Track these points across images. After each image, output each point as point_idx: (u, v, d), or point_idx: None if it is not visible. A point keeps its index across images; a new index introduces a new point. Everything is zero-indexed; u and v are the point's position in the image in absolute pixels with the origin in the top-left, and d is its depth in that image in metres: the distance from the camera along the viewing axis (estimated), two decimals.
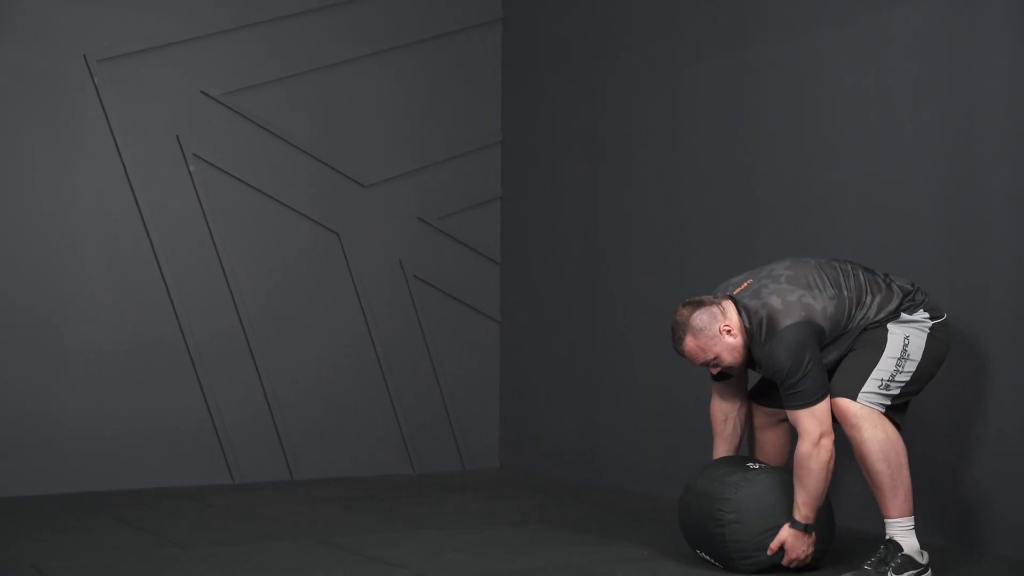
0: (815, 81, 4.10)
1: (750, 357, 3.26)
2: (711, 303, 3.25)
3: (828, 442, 3.10)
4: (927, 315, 3.21)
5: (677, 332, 3.28)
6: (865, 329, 3.20)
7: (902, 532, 3.11)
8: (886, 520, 3.13)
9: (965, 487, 3.63)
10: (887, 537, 3.12)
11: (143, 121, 4.89)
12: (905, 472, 3.11)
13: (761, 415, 3.49)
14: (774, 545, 3.18)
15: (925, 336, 3.19)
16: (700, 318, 3.23)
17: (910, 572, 3.08)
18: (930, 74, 3.73)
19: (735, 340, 3.22)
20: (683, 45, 4.65)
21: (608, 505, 4.47)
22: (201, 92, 5.00)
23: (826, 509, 3.24)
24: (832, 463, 3.12)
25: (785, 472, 3.30)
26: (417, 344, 5.43)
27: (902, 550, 3.09)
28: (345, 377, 5.27)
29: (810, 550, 3.19)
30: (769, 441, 3.50)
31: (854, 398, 3.13)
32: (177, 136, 4.95)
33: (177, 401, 4.90)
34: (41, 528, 3.95)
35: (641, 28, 4.87)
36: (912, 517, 3.12)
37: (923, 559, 3.11)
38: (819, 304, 3.16)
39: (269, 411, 5.08)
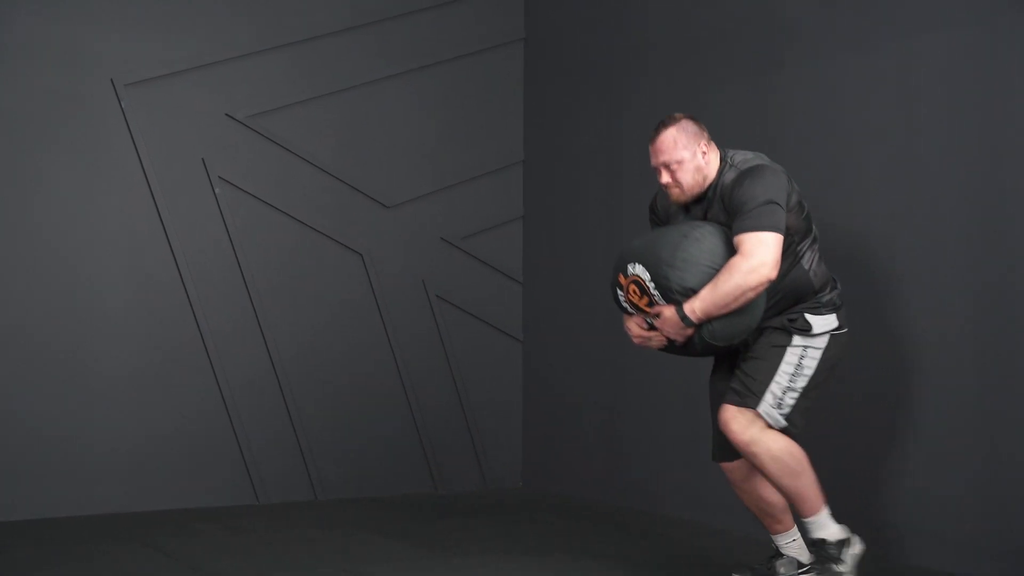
0: (841, 108, 4.11)
1: (697, 201, 3.27)
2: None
3: (764, 273, 3.05)
4: (832, 323, 3.21)
5: (665, 121, 3.28)
6: (764, 330, 3.20)
7: (821, 525, 3.20)
8: (804, 521, 3.22)
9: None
10: (812, 539, 3.21)
11: (169, 144, 4.92)
12: (806, 474, 3.16)
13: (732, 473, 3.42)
14: (653, 310, 3.15)
15: (822, 351, 3.20)
16: (693, 126, 3.26)
17: (847, 551, 3.19)
18: (958, 102, 3.73)
19: (703, 166, 3.23)
20: (707, 68, 4.66)
21: (631, 529, 4.49)
22: (226, 115, 5.04)
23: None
24: (752, 296, 3.07)
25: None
26: (440, 363, 5.46)
27: (830, 540, 3.19)
28: (368, 397, 5.30)
29: (677, 339, 3.15)
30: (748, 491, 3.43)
31: (754, 405, 3.16)
32: (203, 159, 4.98)
33: (203, 422, 4.93)
34: (69, 553, 3.98)
35: (665, 50, 4.88)
36: (825, 506, 3.20)
37: (848, 533, 3.22)
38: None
39: (293, 431, 5.11)
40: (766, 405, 3.16)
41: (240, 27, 5.07)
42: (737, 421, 3.16)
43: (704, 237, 3.13)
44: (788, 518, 3.39)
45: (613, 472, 5.08)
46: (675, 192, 3.27)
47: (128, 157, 4.85)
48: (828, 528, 3.20)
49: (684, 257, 3.09)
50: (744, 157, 3.26)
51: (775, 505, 3.35)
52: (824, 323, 3.21)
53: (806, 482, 3.17)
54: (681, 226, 3.20)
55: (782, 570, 3.31)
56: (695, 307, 3.08)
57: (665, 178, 3.26)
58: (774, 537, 3.40)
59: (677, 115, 3.29)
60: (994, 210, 3.63)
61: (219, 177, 5.01)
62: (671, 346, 3.20)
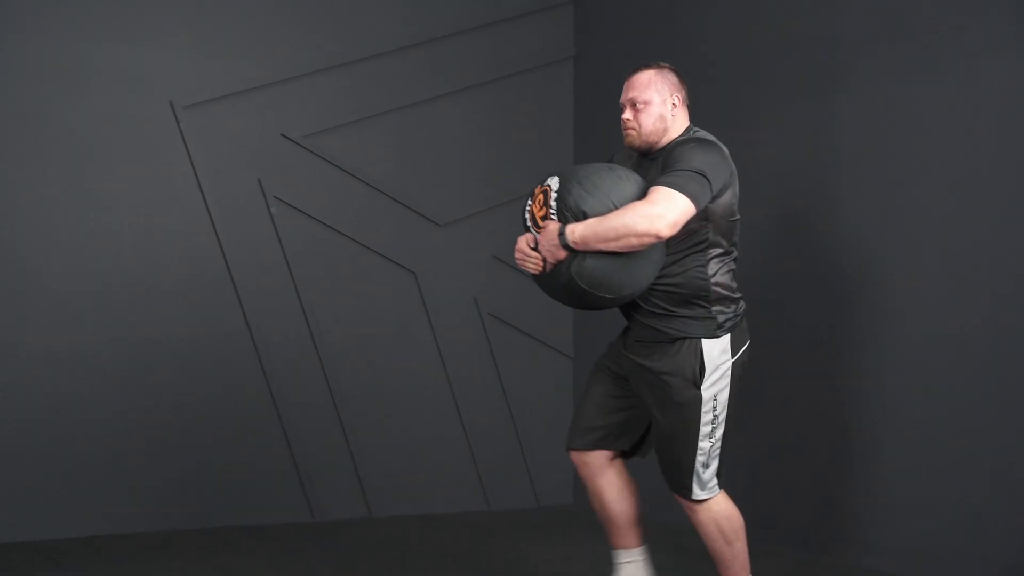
0: (901, 132, 4.09)
1: (651, 160, 3.16)
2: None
3: (658, 226, 2.90)
4: (726, 347, 3.11)
5: (649, 64, 3.23)
6: (663, 382, 3.10)
7: None
8: None
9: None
10: None
11: (226, 165, 4.99)
12: (741, 542, 3.18)
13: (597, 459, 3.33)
14: (542, 224, 3.04)
15: (728, 384, 3.13)
16: (674, 77, 3.21)
17: None
18: (1022, 127, 3.70)
19: (667, 118, 3.16)
20: (765, 87, 4.64)
21: (684, 549, 4.48)
22: (282, 135, 5.09)
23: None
24: (636, 244, 2.92)
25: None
26: (491, 381, 5.49)
27: None
28: (421, 414, 5.34)
29: (550, 259, 3.01)
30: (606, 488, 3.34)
31: (689, 498, 3.15)
32: (258, 179, 5.04)
33: (259, 440, 4.99)
34: (127, 571, 4.05)
35: (721, 67, 4.87)
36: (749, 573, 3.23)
37: None
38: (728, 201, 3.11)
39: (348, 449, 5.16)
40: (699, 481, 3.13)
41: (295, 49, 5.12)
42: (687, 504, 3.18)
43: (627, 180, 3.04)
44: (635, 534, 3.31)
45: (664, 490, 5.06)
46: (631, 134, 3.19)
47: (186, 178, 4.91)
48: None
49: (596, 183, 3.00)
50: (708, 135, 3.17)
51: (622, 515, 3.29)
52: (720, 354, 3.10)
53: (742, 552, 3.18)
54: (617, 167, 3.11)
55: None
56: (576, 229, 2.95)
57: (627, 114, 3.18)
58: (613, 552, 3.32)
59: (663, 64, 3.25)
60: None
61: (275, 197, 5.07)
62: (542, 276, 3.07)
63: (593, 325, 5.57)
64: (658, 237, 2.92)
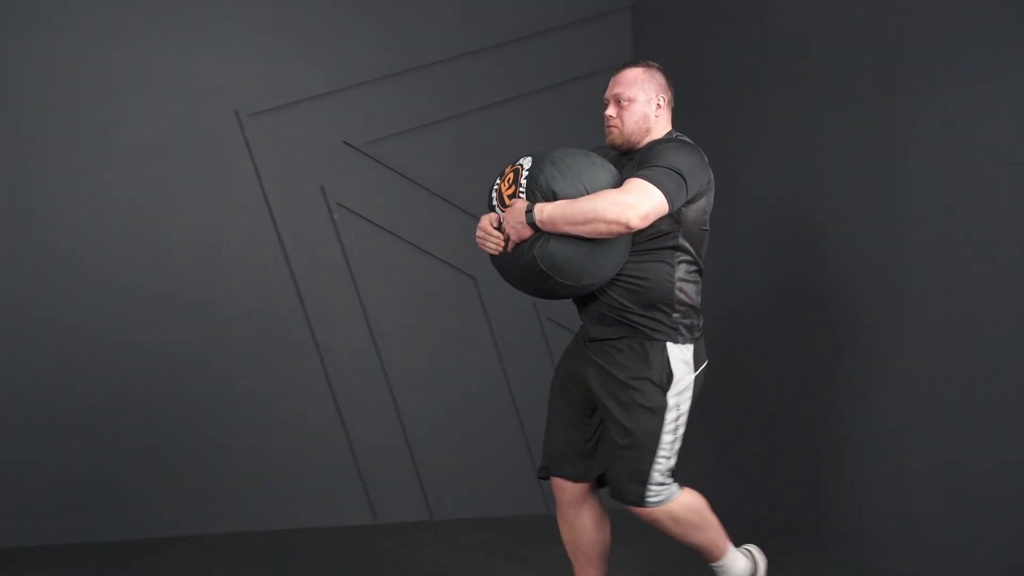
0: (969, 138, 4.04)
1: (629, 159, 3.10)
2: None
3: (629, 215, 2.83)
4: (689, 358, 3.05)
5: (638, 62, 3.18)
6: (628, 386, 3.01)
7: (731, 564, 3.18)
8: (713, 566, 3.19)
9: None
10: None
11: (289, 172, 5.06)
12: (710, 525, 3.11)
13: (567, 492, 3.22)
14: (510, 201, 2.96)
15: (691, 395, 3.08)
16: (662, 78, 3.15)
17: None
18: None
19: (650, 118, 3.11)
20: (829, 91, 4.61)
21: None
22: (344, 142, 5.16)
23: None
24: (604, 231, 2.85)
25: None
26: (550, 384, 5.50)
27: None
28: (481, 418, 5.38)
29: (514, 237, 2.92)
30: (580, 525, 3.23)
31: (642, 504, 3.03)
32: (321, 186, 5.11)
33: (321, 443, 5.06)
34: (199, 573, 4.13)
35: (782, 72, 4.86)
36: (730, 546, 3.19)
37: (751, 561, 3.22)
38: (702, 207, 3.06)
39: (409, 452, 5.21)
40: (654, 489, 3.02)
41: (357, 56, 5.19)
42: (644, 512, 3.06)
43: (602, 167, 2.98)
44: (604, 568, 3.23)
45: (733, 496, 5.06)
46: (613, 132, 3.13)
47: (251, 185, 5.00)
48: (735, 568, 3.19)
49: (570, 164, 2.93)
50: (689, 140, 3.12)
51: (598, 546, 3.20)
52: (684, 364, 3.05)
53: (711, 532, 3.11)
54: (593, 154, 3.04)
55: None
56: (545, 208, 2.87)
57: (611, 110, 3.12)
58: None
59: (653, 63, 3.20)
60: None
61: (337, 203, 5.13)
62: (501, 257, 2.98)
63: None
64: (627, 227, 2.86)
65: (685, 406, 3.07)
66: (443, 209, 5.34)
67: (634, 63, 3.18)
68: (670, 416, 3.03)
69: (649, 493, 3.03)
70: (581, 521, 3.20)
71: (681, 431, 3.07)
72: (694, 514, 3.10)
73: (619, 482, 3.06)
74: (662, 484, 3.04)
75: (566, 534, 3.23)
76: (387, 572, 4.20)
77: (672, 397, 3.03)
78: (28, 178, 4.62)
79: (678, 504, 3.07)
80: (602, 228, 2.84)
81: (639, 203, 2.85)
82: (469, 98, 5.40)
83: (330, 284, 5.12)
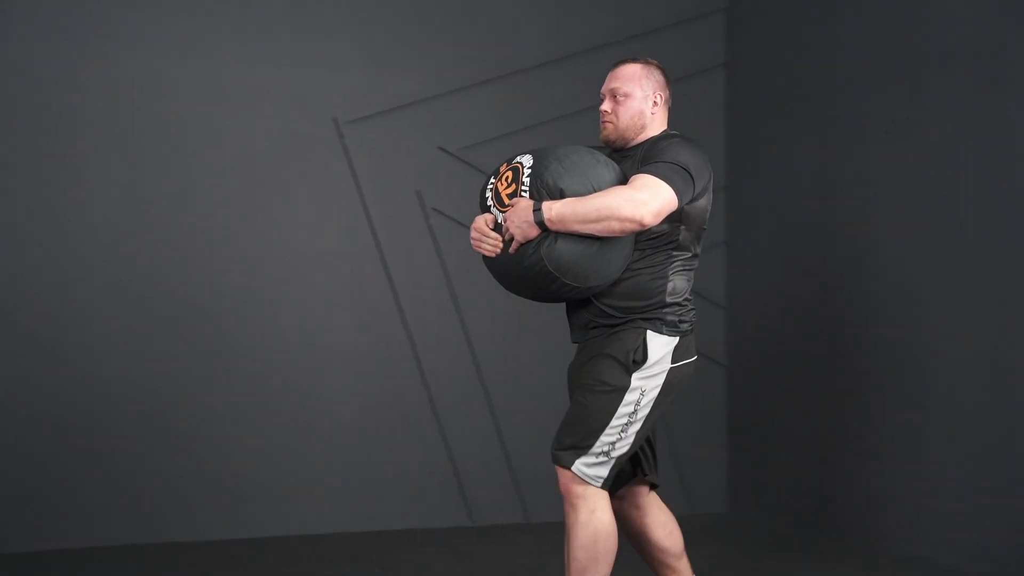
0: None
1: (625, 158, 3.00)
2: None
3: (641, 211, 2.75)
4: (669, 348, 2.92)
5: (637, 58, 3.09)
6: (596, 356, 2.91)
7: None
8: None
9: None
10: None
11: (386, 178, 5.14)
12: (604, 568, 2.89)
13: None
14: (512, 200, 2.86)
15: (660, 388, 2.93)
16: (660, 76, 3.06)
17: None
18: None
19: (645, 115, 3.02)
20: (927, 92, 4.54)
21: (846, 565, 4.43)
22: (439, 148, 5.22)
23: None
24: (617, 228, 2.77)
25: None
26: None
27: None
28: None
29: (519, 237, 2.82)
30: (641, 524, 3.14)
31: (563, 463, 2.88)
32: (418, 191, 5.18)
33: (420, 446, 5.13)
34: (309, 572, 4.22)
35: (880, 74, 4.79)
36: None
37: None
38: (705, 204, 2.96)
39: (505, 455, 5.26)
40: (588, 459, 2.88)
41: (453, 63, 5.25)
42: (563, 476, 2.91)
43: (605, 164, 2.90)
44: (684, 565, 3.15)
45: (826, 502, 5.01)
46: (608, 128, 3.04)
47: (349, 191, 5.09)
48: None
49: (576, 161, 2.86)
50: (688, 137, 3.03)
51: (675, 547, 3.13)
52: (662, 349, 2.92)
53: (596, 571, 2.88)
54: (595, 150, 2.97)
55: None
56: (554, 206, 2.78)
57: (606, 106, 3.04)
58: None
59: (652, 60, 3.11)
60: None
61: (433, 209, 5.20)
62: (499, 259, 2.89)
63: (747, 333, 5.55)
64: (641, 224, 2.78)
65: (651, 394, 2.92)
66: None
67: (633, 59, 3.10)
68: (629, 397, 2.89)
69: (580, 457, 2.87)
70: (649, 530, 3.15)
71: (640, 417, 2.91)
72: (602, 547, 2.89)
73: (561, 430, 2.95)
74: (594, 461, 2.89)
75: (636, 546, 3.19)
76: (483, 574, 4.24)
77: (637, 379, 2.89)
78: (141, 187, 4.77)
79: (608, 528, 2.89)
80: (615, 226, 2.77)
81: (652, 200, 2.78)
82: (563, 103, 5.42)
83: (426, 288, 5.19)
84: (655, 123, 3.06)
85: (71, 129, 4.70)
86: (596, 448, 2.88)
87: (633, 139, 3.04)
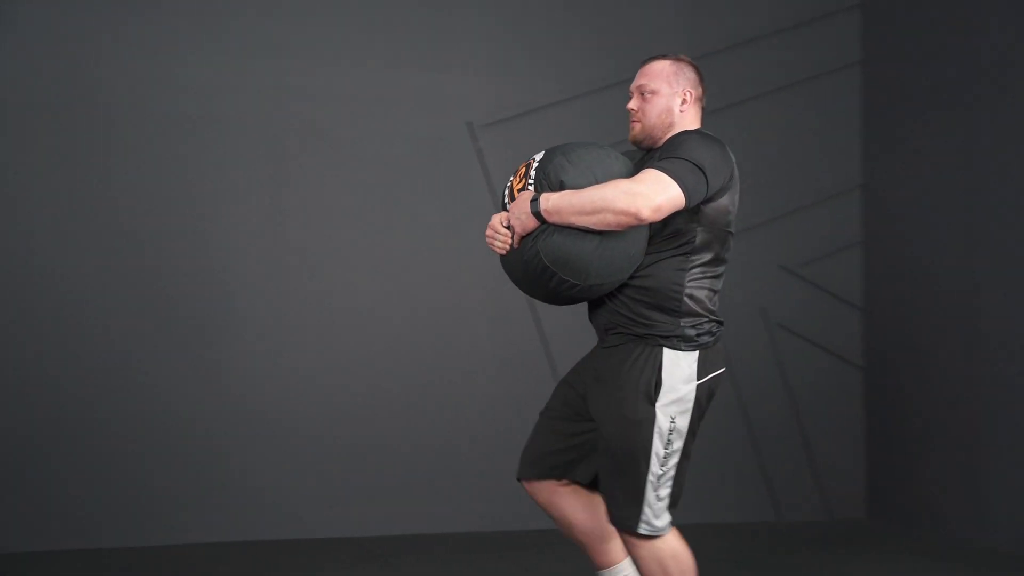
0: None
1: (647, 153, 2.90)
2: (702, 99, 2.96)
3: (640, 205, 2.61)
4: (692, 366, 2.76)
5: (668, 55, 2.96)
6: (618, 397, 2.75)
7: None
8: None
9: None
10: None
11: None
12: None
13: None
14: (518, 194, 2.77)
15: (691, 409, 2.76)
16: (692, 73, 2.93)
17: None
18: None
19: (673, 113, 2.88)
20: None
21: (993, 573, 4.30)
22: None
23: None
24: (612, 222, 2.63)
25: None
26: (779, 390, 5.46)
27: None
28: (709, 424, 5.33)
29: (519, 229, 2.72)
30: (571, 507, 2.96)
31: (634, 531, 2.74)
32: None
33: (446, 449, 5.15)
34: (524, 563, 4.27)
35: (1021, 68, 4.66)
36: None
37: None
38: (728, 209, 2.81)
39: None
40: (647, 513, 2.74)
41: (583, 66, 5.28)
42: (630, 540, 2.78)
43: (615, 159, 2.78)
44: (613, 548, 2.94)
45: (970, 508, 4.89)
46: (635, 127, 2.91)
47: (482, 195, 5.14)
48: None
49: (581, 155, 2.74)
50: (711, 133, 2.86)
51: (597, 530, 2.92)
52: (685, 369, 2.77)
53: None
54: (608, 147, 2.84)
55: None
56: (550, 197, 2.67)
57: (634, 103, 2.91)
58: (598, 573, 2.98)
59: (683, 56, 2.97)
60: None
61: None
62: (508, 255, 2.78)
63: (886, 334, 5.44)
64: (637, 218, 2.63)
65: (682, 420, 2.77)
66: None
67: (663, 55, 2.95)
68: (660, 429, 2.74)
69: (642, 517, 2.75)
70: (566, 513, 2.96)
71: (677, 448, 2.77)
72: (680, 571, 2.79)
73: (610, 500, 2.81)
74: (657, 511, 2.76)
75: (563, 530, 3.02)
76: None
77: (661, 408, 2.74)
78: (279, 194, 4.92)
79: (672, 548, 2.79)
80: (610, 219, 2.63)
81: (652, 193, 2.63)
82: None
83: None
84: (684, 121, 2.92)
85: (218, 133, 4.86)
86: (649, 496, 2.76)
87: (661, 138, 2.90)
